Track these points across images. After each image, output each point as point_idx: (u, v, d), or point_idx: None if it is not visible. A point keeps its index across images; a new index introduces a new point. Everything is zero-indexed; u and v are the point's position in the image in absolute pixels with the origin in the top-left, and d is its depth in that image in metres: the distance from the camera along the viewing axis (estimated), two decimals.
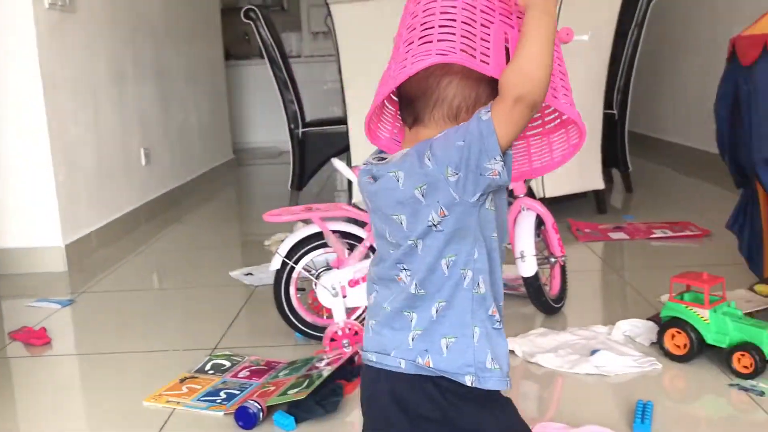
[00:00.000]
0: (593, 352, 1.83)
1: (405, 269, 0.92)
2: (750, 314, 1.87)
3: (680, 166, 4.71)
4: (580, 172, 3.33)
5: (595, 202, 3.48)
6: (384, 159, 0.95)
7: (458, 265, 0.89)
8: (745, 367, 1.66)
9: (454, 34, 0.86)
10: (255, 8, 3.84)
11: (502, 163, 0.84)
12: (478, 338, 0.90)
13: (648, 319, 1.98)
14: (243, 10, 3.86)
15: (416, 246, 0.90)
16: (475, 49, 0.86)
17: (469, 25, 0.87)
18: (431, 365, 0.90)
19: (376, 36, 3.08)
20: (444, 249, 0.89)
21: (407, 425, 0.92)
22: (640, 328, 1.95)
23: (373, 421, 0.98)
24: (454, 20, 0.87)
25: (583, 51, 3.11)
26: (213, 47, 5.79)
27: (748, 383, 1.65)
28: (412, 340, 0.91)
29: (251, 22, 3.85)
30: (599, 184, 3.43)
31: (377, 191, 0.93)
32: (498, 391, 0.92)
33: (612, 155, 3.87)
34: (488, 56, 0.86)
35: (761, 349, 1.65)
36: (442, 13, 0.87)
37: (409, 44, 0.89)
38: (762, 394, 1.61)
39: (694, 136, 4.68)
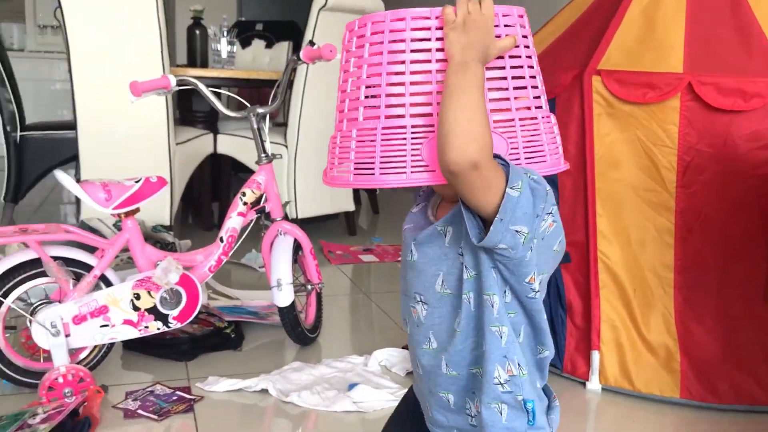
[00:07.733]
0: (351, 386, 1.73)
1: None
2: None
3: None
4: (332, 193, 3.29)
5: (345, 223, 3.46)
6: None
7: None
8: None
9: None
10: None
11: None
12: None
13: (403, 347, 1.94)
14: None
15: None
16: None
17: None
18: None
19: (112, 34, 2.79)
20: None
21: None
22: (395, 357, 1.90)
23: None
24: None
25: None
26: None
27: None
28: None
29: None
30: (350, 206, 3.42)
31: None
32: None
33: None
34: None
35: None
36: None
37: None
38: None
39: None
